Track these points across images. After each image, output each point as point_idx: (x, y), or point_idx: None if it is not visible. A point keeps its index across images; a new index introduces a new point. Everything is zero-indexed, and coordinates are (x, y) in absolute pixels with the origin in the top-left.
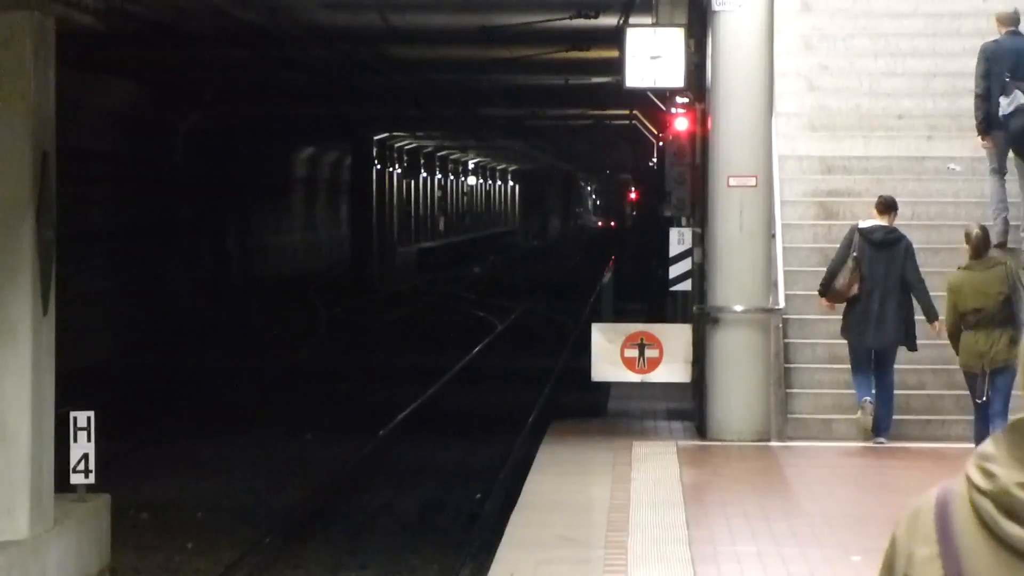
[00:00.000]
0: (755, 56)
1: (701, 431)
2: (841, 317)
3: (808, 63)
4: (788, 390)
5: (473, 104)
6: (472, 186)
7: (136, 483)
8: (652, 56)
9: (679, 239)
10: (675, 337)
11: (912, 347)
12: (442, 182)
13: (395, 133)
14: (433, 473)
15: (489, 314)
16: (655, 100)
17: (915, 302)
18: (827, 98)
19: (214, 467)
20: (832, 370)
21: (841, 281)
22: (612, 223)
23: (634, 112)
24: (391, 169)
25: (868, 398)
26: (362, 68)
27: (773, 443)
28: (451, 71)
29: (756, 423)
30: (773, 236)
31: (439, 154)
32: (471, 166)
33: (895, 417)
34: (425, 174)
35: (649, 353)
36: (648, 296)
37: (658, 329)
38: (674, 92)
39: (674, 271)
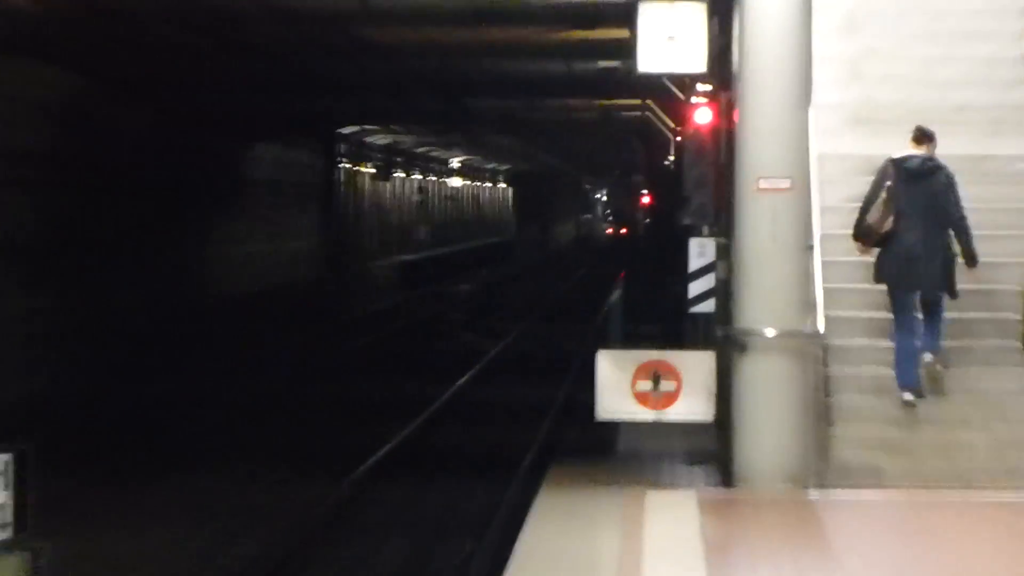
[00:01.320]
0: (790, 38)
1: (726, 477)
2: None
3: (852, 47)
4: (829, 429)
5: (460, 95)
6: (458, 189)
7: (75, 532)
8: (669, 37)
9: (700, 251)
10: (696, 367)
11: (953, 293)
12: (424, 184)
13: (369, 127)
14: (414, 523)
15: (479, 337)
16: (672, 89)
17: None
18: (874, 88)
19: (162, 515)
20: (881, 405)
21: (874, 216)
22: (623, 231)
23: (648, 103)
24: (366, 169)
25: (909, 392)
26: (333, 54)
27: (811, 492)
28: (435, 56)
29: (791, 468)
30: (811, 248)
31: (419, 151)
32: (457, 166)
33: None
34: (404, 175)
35: (665, 386)
36: (664, 318)
37: (676, 357)
38: (694, 79)
39: (694, 289)
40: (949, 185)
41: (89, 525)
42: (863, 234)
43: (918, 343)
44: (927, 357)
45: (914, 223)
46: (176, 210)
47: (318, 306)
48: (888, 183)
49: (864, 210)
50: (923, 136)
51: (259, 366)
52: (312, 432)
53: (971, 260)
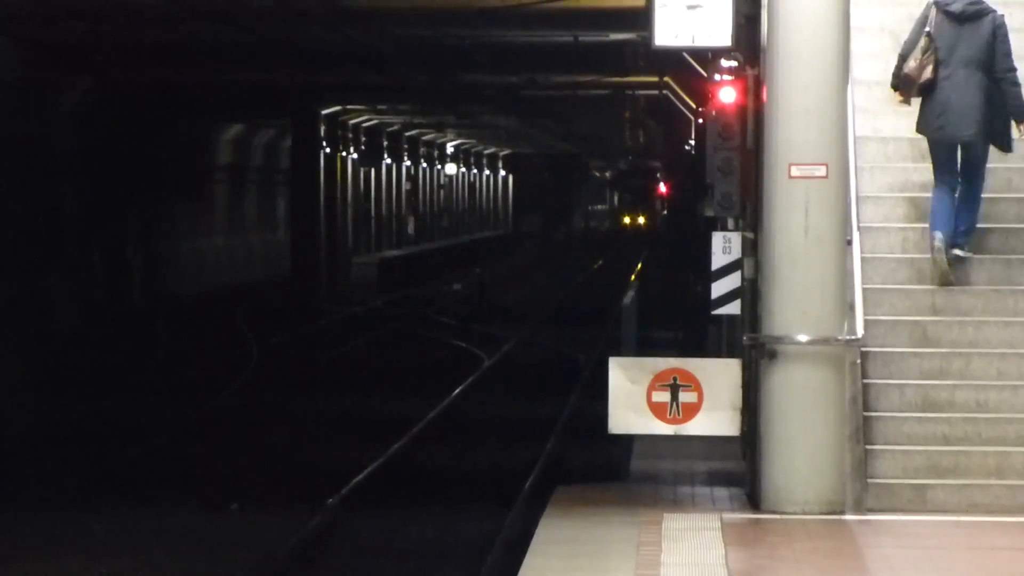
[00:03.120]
0: (826, 6)
1: (754, 500)
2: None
3: (895, 14)
4: (868, 447)
5: (453, 69)
6: (451, 176)
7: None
8: (689, 5)
9: (724, 247)
10: (719, 376)
11: (1007, 147)
12: (412, 171)
13: (350, 106)
14: (399, 555)
15: (474, 345)
16: (693, 64)
17: None
18: None
19: (110, 547)
20: (926, 420)
21: (912, 64)
22: (638, 224)
23: (665, 80)
24: (344, 154)
25: (940, 237)
26: (308, 21)
27: (848, 517)
28: (425, 25)
29: (826, 490)
30: (849, 243)
31: (408, 134)
32: (450, 150)
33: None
34: (390, 160)
35: (685, 397)
36: (683, 322)
37: (697, 365)
38: (718, 53)
39: (717, 289)
40: (998, 30)
41: (18, 558)
42: (902, 84)
43: (953, 193)
44: (957, 252)
45: (956, 71)
46: (119, 198)
47: (283, 308)
48: (928, 29)
49: (903, 57)
50: None
51: (211, 378)
52: (282, 452)
53: (1018, 115)
